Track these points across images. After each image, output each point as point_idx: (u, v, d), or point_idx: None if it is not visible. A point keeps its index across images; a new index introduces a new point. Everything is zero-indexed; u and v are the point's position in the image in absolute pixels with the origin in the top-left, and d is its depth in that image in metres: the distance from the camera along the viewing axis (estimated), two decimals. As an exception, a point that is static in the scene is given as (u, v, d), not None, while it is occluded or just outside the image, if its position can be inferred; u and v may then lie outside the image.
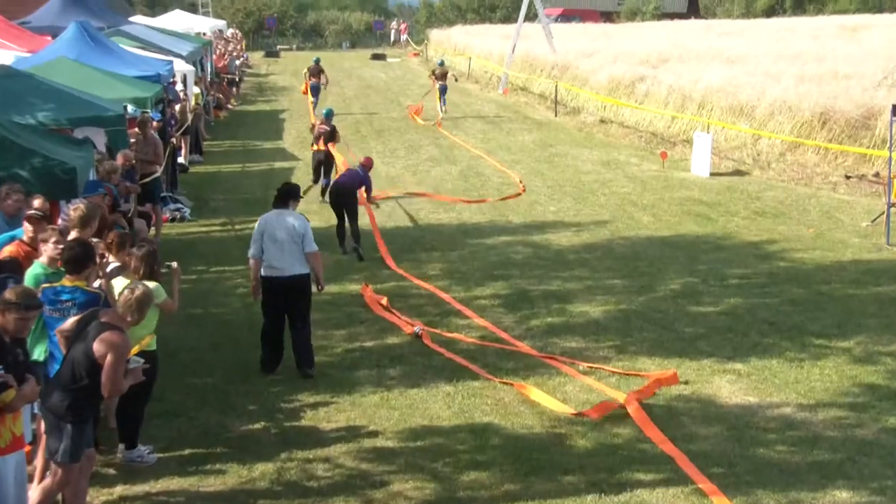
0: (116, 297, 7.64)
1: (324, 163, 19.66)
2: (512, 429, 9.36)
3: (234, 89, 39.42)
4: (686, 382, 10.46)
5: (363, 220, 16.11)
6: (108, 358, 6.94)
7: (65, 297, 7.87)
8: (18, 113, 12.32)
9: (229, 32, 56.67)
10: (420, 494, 8.14)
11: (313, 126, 22.32)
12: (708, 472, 8.38)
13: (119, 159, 13.45)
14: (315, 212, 17.87)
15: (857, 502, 8.05)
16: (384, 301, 12.98)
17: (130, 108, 15.99)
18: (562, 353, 11.30)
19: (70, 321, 7.50)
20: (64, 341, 7.40)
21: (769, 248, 16.22)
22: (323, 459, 8.73)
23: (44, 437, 7.37)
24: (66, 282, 7.91)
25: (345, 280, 14.17)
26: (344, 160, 20.97)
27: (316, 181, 19.87)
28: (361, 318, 12.58)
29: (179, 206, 18.59)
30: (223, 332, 12.06)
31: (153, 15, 54.33)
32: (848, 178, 21.13)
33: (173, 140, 19.83)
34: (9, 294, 6.69)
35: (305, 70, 32.90)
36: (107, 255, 8.91)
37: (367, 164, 16.42)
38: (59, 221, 9.94)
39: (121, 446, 8.62)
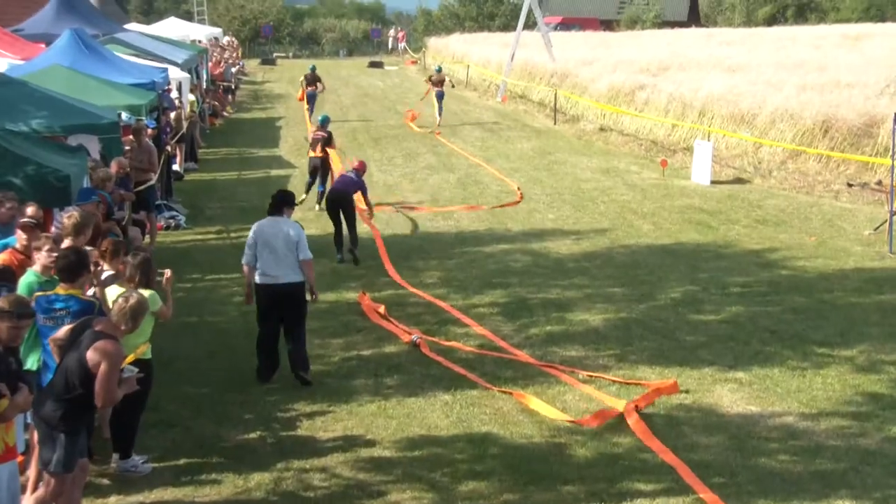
0: (110, 306, 7.58)
1: (319, 168, 19.61)
2: (511, 438, 9.30)
3: (230, 97, 39.38)
4: (687, 391, 10.41)
5: (364, 228, 16.03)
6: (102, 367, 6.87)
7: (58, 305, 7.82)
8: (12, 120, 12.24)
9: (225, 40, 56.72)
10: (418, 505, 8.08)
11: (309, 133, 22.28)
12: (709, 482, 8.33)
13: (113, 167, 13.38)
14: (312, 220, 17.84)
15: (860, 512, 8.00)
16: (382, 309, 12.91)
17: (125, 115, 15.95)
18: (561, 362, 11.24)
19: (63, 330, 7.45)
20: (57, 350, 7.35)
21: (771, 256, 16.17)
22: (320, 469, 8.66)
23: (37, 447, 7.32)
24: (60, 290, 7.86)
25: (342, 288, 14.12)
26: (342, 167, 20.90)
27: (310, 185, 19.86)
28: (359, 327, 12.51)
29: (174, 214, 18.49)
30: (219, 341, 11.98)
31: (148, 22, 54.34)
32: (850, 186, 21.08)
33: (168, 148, 19.75)
34: (1, 302, 6.67)
35: (302, 78, 32.85)
36: (101, 263, 8.85)
37: (361, 168, 16.31)
38: (53, 229, 9.94)
39: (115, 456, 8.56)
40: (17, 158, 10.54)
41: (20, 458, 7.28)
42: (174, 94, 23.80)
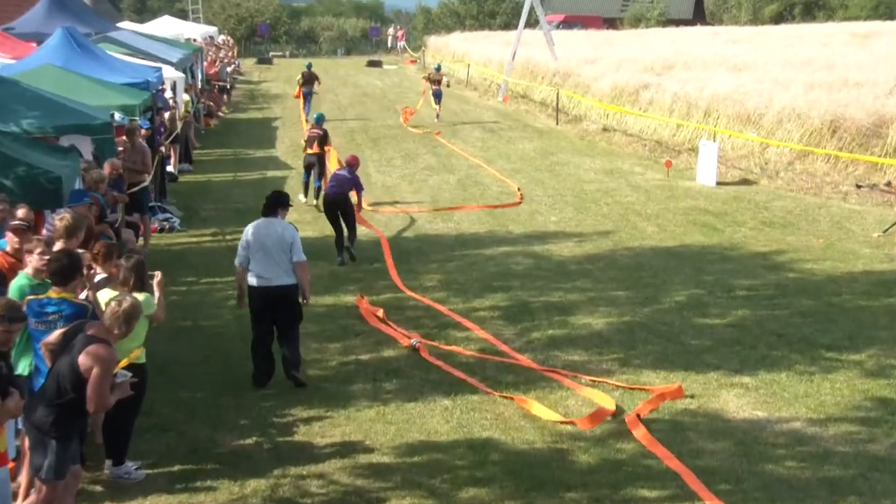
0: (103, 309, 7.55)
1: (315, 165, 19.60)
2: (512, 444, 9.23)
3: (226, 97, 39.23)
4: (692, 396, 10.32)
5: (364, 229, 15.92)
6: (94, 371, 6.85)
7: (51, 309, 7.80)
8: (2, 121, 12.23)
9: (220, 39, 56.43)
10: (417, 512, 8.04)
11: (304, 132, 22.22)
12: (715, 489, 8.26)
13: (106, 168, 13.30)
14: (309, 222, 17.81)
15: (869, 520, 7.94)
16: (380, 313, 12.83)
17: (118, 115, 15.88)
18: (564, 367, 11.15)
19: (55, 334, 7.45)
20: (49, 354, 7.34)
21: (777, 258, 16.07)
22: (317, 476, 8.59)
23: (28, 453, 7.28)
24: (53, 294, 7.85)
25: (340, 291, 14.04)
26: (338, 166, 20.82)
27: (306, 183, 19.87)
28: (357, 331, 12.42)
29: (168, 216, 18.40)
30: (213, 345, 11.92)
31: (141, 21, 54.32)
32: (859, 187, 20.95)
33: (162, 149, 19.69)
34: (-8, 306, 6.67)
35: (299, 76, 32.71)
36: (93, 266, 8.83)
37: (354, 163, 16.08)
38: (44, 232, 9.93)
39: (108, 462, 8.50)
40: (8, 159, 10.50)
41: (11, 465, 7.28)
42: (168, 94, 23.66)
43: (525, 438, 9.31)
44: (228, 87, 41.06)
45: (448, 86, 33.37)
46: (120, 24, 37.40)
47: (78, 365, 6.84)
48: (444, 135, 29.91)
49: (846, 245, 17.00)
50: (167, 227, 17.90)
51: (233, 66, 47.91)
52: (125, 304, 7.19)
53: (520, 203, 20.38)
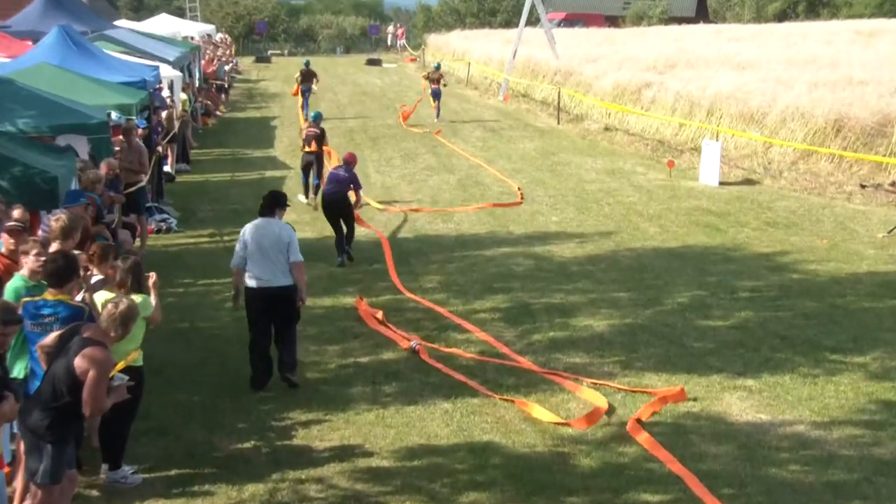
0: (100, 311, 7.51)
1: (313, 164, 19.59)
2: (513, 447, 9.19)
3: (223, 96, 39.16)
4: (695, 399, 10.27)
5: (364, 230, 15.86)
6: (90, 374, 6.80)
7: (47, 311, 7.77)
8: (-2, 120, 12.18)
9: (218, 37, 56.42)
10: (417, 516, 8.00)
11: (301, 131, 22.14)
12: (718, 493, 8.24)
13: (103, 168, 13.26)
14: (307, 223, 17.77)
15: (874, 525, 7.92)
16: (379, 315, 12.77)
17: (115, 115, 15.88)
18: (565, 369, 11.10)
19: (51, 336, 7.41)
20: (45, 357, 7.30)
21: (781, 259, 16.01)
22: (316, 480, 8.56)
23: (23, 457, 7.24)
24: (49, 296, 7.81)
25: (339, 293, 13.99)
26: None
27: (306, 184, 19.80)
28: (356, 333, 12.38)
29: (165, 216, 18.35)
30: (211, 347, 11.88)
31: (138, 19, 54.05)
32: (863, 187, 20.92)
33: (159, 148, 19.69)
34: (-13, 308, 6.66)
35: (297, 74, 32.63)
36: (90, 267, 8.81)
37: (351, 160, 15.98)
38: (40, 233, 9.95)
39: (104, 466, 8.47)
40: (3, 159, 10.48)
41: (7, 469, 7.28)
42: (165, 93, 23.67)
43: (526, 442, 9.28)
44: (226, 85, 41.04)
45: (445, 85, 33.35)
46: (117, 23, 37.23)
47: (74, 368, 6.78)
48: (444, 134, 29.85)
49: (850, 246, 16.93)
50: (164, 227, 17.85)
51: (230, 64, 47.85)
52: (122, 307, 7.13)
53: (520, 203, 20.32)
